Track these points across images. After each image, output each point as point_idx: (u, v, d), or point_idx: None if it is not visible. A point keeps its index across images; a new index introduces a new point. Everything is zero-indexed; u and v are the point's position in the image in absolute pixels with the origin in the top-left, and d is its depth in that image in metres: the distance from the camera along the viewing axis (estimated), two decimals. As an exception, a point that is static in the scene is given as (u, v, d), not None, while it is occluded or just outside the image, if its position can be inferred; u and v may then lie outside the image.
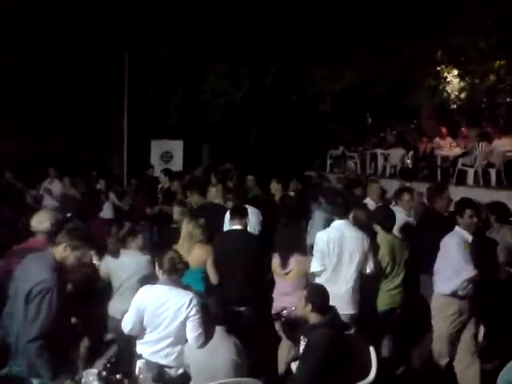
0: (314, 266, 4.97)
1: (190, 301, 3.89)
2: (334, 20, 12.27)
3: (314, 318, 3.94)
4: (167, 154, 14.91)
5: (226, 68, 13.45)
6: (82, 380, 3.42)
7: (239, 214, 5.52)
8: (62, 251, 3.60)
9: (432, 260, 4.98)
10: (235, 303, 4.91)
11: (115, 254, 5.10)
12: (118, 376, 3.45)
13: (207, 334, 3.90)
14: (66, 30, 14.32)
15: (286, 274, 5.11)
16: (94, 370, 3.46)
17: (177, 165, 14.32)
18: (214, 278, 5.13)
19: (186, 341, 3.93)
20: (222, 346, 3.85)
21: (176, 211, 6.58)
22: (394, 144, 13.84)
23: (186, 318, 3.87)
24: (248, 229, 5.85)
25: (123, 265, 5.01)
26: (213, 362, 3.76)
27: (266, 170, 11.05)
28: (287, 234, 5.39)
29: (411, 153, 13.21)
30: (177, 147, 15.00)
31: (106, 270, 5.14)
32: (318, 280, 4.89)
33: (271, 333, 5.23)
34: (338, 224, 5.10)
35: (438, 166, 12.21)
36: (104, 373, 3.44)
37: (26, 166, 12.64)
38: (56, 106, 15.80)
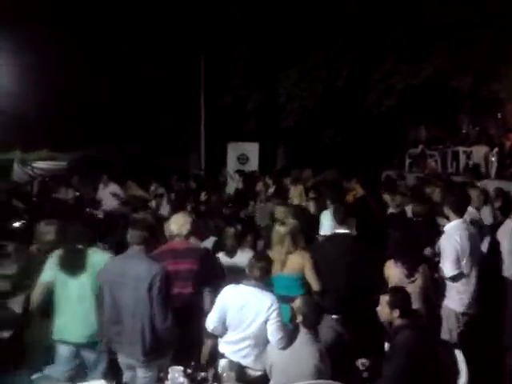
0: (450, 270, 4.71)
1: (271, 304, 3.84)
2: (406, 11, 11.96)
3: (398, 321, 3.87)
4: (243, 156, 15.08)
5: (300, 72, 13.47)
6: (168, 376, 3.54)
7: (345, 216, 5.03)
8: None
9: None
10: (332, 311, 4.71)
11: (232, 252, 5.09)
12: (202, 374, 3.54)
13: (291, 336, 3.85)
14: (145, 39, 14.86)
15: (412, 282, 4.70)
16: (180, 367, 3.57)
17: (253, 167, 14.46)
18: (315, 285, 4.75)
19: (266, 343, 3.90)
20: (306, 349, 3.79)
21: (279, 211, 6.47)
22: (477, 141, 13.22)
23: (266, 321, 3.83)
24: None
25: (238, 264, 4.95)
26: (295, 365, 3.73)
27: (344, 171, 10.93)
28: (406, 239, 5.02)
29: (496, 149, 12.57)
30: (253, 149, 15.11)
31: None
32: (453, 284, 4.74)
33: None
34: (459, 223, 4.86)
35: (526, 163, 11.56)
36: (189, 370, 3.55)
37: (108, 171, 13.26)
38: (136, 113, 16.49)
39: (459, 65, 11.47)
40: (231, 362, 3.84)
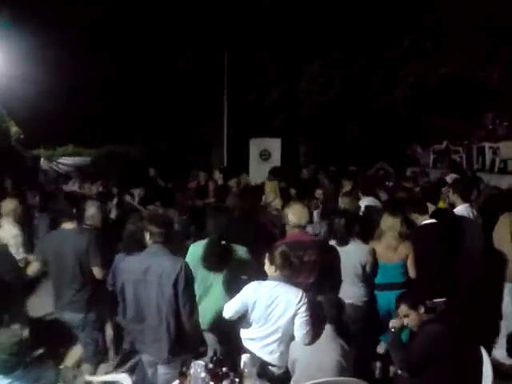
0: None
1: (300, 298, 3.85)
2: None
3: (425, 317, 3.88)
4: (265, 151, 14.98)
5: (320, 67, 13.42)
6: (191, 370, 3.55)
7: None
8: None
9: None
10: (427, 296, 4.74)
11: (343, 242, 5.12)
12: (223, 369, 3.54)
13: (316, 333, 3.86)
14: (170, 36, 14.98)
15: None
16: (202, 362, 3.57)
17: (275, 163, 14.33)
18: (412, 272, 5.08)
19: (292, 339, 3.92)
20: (329, 345, 3.81)
21: (344, 201, 6.69)
22: (505, 136, 12.95)
23: (295, 315, 3.84)
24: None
25: (347, 253, 5.06)
26: (318, 360, 3.74)
27: (366, 167, 10.87)
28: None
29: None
30: (275, 145, 15.00)
31: None
32: None
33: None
34: (466, 206, 5.80)
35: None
36: (211, 365, 3.55)
37: (134, 167, 13.42)
38: (161, 111, 16.63)
39: (488, 56, 11.26)
40: (253, 358, 3.82)
